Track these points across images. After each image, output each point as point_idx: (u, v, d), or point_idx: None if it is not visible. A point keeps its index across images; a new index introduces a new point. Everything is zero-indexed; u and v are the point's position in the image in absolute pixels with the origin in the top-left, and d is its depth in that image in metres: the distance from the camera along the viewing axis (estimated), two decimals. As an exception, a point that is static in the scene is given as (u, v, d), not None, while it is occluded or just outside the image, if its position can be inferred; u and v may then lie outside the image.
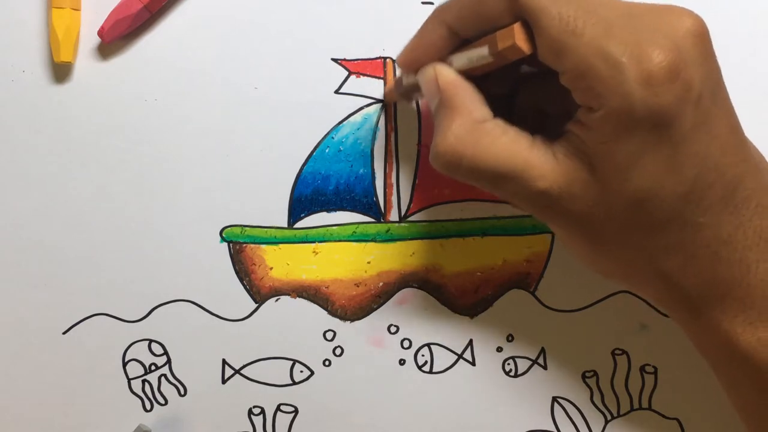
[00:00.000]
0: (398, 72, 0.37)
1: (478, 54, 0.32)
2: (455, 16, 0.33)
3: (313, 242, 0.40)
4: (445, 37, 0.33)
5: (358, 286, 0.40)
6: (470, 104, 0.32)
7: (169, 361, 0.40)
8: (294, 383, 0.41)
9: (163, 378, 0.40)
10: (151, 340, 0.40)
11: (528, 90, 0.36)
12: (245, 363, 0.40)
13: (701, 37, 0.30)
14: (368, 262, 0.40)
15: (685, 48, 0.29)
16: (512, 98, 0.36)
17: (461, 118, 0.32)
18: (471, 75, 0.33)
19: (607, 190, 0.30)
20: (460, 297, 0.41)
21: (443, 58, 0.34)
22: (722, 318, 0.32)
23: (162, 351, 0.40)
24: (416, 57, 0.35)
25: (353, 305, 0.40)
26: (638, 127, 0.29)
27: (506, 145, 0.31)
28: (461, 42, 0.33)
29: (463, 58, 0.33)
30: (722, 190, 0.30)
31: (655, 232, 0.31)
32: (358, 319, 0.41)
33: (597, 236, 0.32)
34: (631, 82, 0.28)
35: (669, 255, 0.31)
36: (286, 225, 0.40)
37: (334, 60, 0.40)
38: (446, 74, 0.33)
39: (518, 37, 0.30)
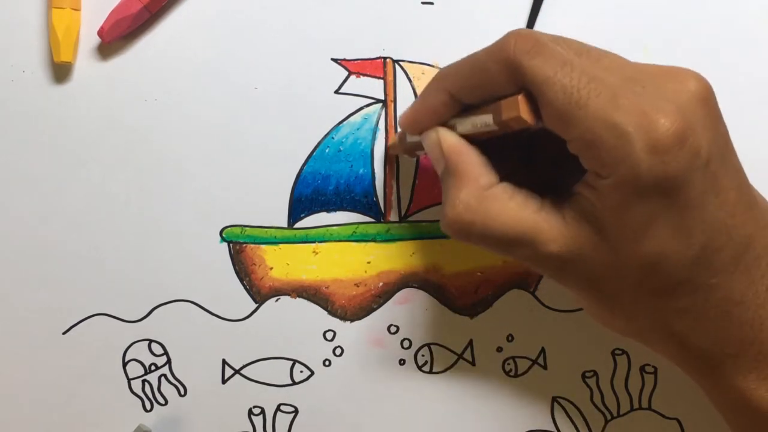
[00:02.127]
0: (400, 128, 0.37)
1: (482, 121, 0.32)
2: (457, 85, 0.33)
3: (313, 242, 0.40)
4: (447, 103, 0.33)
5: (358, 286, 0.40)
6: (476, 170, 0.32)
7: (169, 361, 0.40)
8: (294, 383, 0.41)
9: (163, 378, 0.40)
10: (151, 340, 0.40)
11: (541, 148, 0.35)
12: (245, 363, 0.40)
13: (707, 99, 0.30)
14: (368, 262, 0.40)
15: (691, 112, 0.29)
16: (526, 151, 0.35)
17: (468, 185, 0.32)
18: (477, 139, 0.33)
19: (618, 254, 0.30)
20: (460, 297, 0.41)
21: (446, 122, 0.34)
22: (735, 375, 0.32)
23: (162, 351, 0.40)
24: (418, 120, 0.35)
25: (353, 305, 0.40)
26: (647, 194, 0.29)
27: (515, 211, 0.31)
28: (464, 106, 0.33)
29: (467, 124, 0.33)
30: (733, 251, 0.30)
31: (666, 295, 0.31)
32: (358, 319, 0.41)
33: (609, 298, 0.32)
34: (638, 151, 0.28)
35: (681, 317, 0.32)
36: (286, 225, 0.40)
37: (334, 60, 0.40)
38: (450, 140, 0.33)
39: (522, 108, 0.30)
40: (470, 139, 0.33)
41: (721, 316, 0.31)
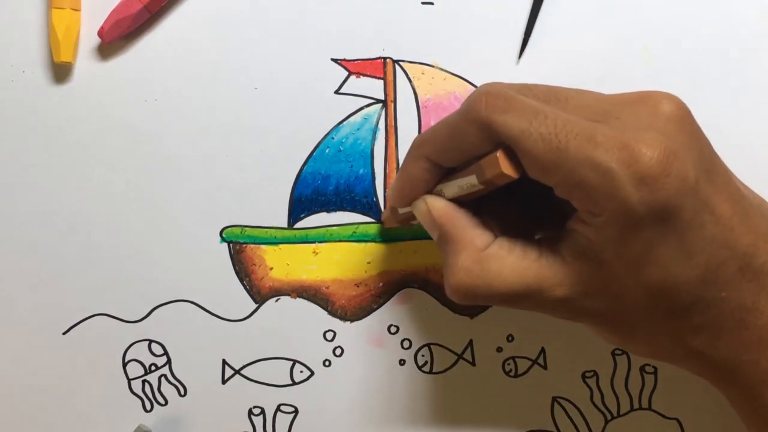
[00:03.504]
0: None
1: (467, 182, 0.32)
2: (434, 151, 0.33)
3: (313, 242, 0.40)
4: (429, 170, 0.33)
5: (358, 287, 0.40)
6: (470, 233, 0.32)
7: (169, 362, 0.40)
8: (294, 383, 0.41)
9: (163, 378, 0.40)
10: (151, 341, 0.40)
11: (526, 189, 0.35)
12: (245, 363, 0.40)
13: (683, 119, 0.30)
14: (368, 263, 0.40)
15: (671, 136, 0.29)
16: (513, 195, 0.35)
17: (465, 250, 0.32)
18: (467, 199, 0.33)
19: (623, 286, 0.30)
20: (460, 297, 0.41)
21: (432, 189, 0.34)
22: (755, 382, 0.32)
23: (162, 351, 0.40)
24: (405, 192, 0.35)
25: (353, 305, 0.40)
26: (642, 225, 0.29)
27: (515, 265, 0.31)
28: (447, 171, 0.33)
29: (453, 187, 0.33)
30: (737, 262, 0.30)
31: (679, 316, 0.31)
32: (358, 319, 0.41)
33: (623, 327, 0.32)
34: (625, 186, 0.28)
35: (697, 333, 0.32)
36: (286, 225, 0.40)
37: (334, 60, 0.40)
38: (439, 206, 0.33)
39: (503, 164, 0.30)
40: (461, 200, 0.33)
41: (736, 325, 0.31)
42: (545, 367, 0.41)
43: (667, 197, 0.28)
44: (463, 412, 0.41)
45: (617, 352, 0.41)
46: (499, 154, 0.30)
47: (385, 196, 0.40)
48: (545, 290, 0.31)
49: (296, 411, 0.41)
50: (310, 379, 0.41)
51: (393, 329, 0.41)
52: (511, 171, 0.30)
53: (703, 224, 0.29)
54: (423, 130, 0.40)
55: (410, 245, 0.40)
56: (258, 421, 0.41)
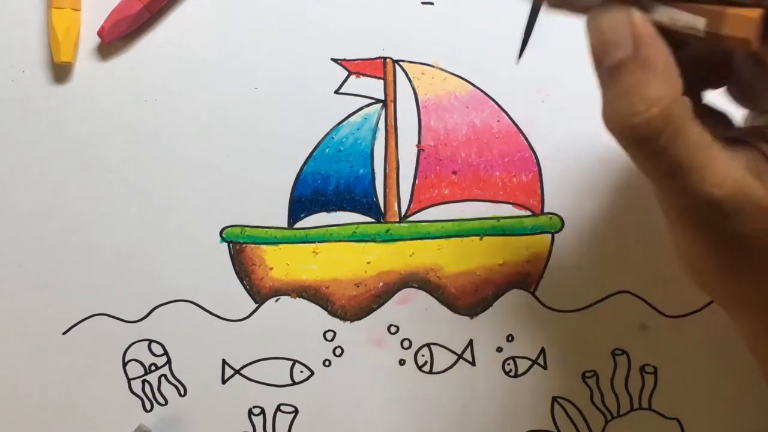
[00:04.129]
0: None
1: (687, 20, 0.25)
2: None
3: (313, 242, 0.40)
4: None
5: (358, 286, 0.40)
6: (673, 70, 0.25)
7: (169, 361, 0.40)
8: (294, 383, 0.41)
9: (163, 378, 0.40)
10: (151, 340, 0.40)
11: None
12: (245, 363, 0.40)
13: None
14: (368, 263, 0.40)
15: None
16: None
17: (665, 82, 0.25)
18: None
19: None
20: (460, 297, 0.41)
21: (638, 1, 0.26)
22: None
23: (162, 351, 0.40)
24: None
25: (353, 305, 0.40)
26: None
27: (694, 136, 0.25)
28: None
29: (665, 15, 0.25)
30: None
31: None
32: (358, 319, 0.41)
33: (747, 261, 0.28)
34: None
35: None
36: (286, 225, 0.40)
37: (334, 60, 0.40)
38: (645, 26, 0.25)
39: (754, 30, 0.24)
40: None
41: None
42: (545, 367, 0.41)
43: None
44: (463, 412, 0.41)
45: (617, 352, 0.41)
46: (758, 15, 0.24)
47: (385, 190, 0.40)
48: (705, 181, 0.26)
49: (296, 411, 0.41)
50: (310, 379, 0.41)
51: (393, 329, 0.41)
52: (757, 41, 0.24)
53: None
54: (423, 129, 0.40)
55: (410, 245, 0.40)
56: (258, 421, 0.41)
